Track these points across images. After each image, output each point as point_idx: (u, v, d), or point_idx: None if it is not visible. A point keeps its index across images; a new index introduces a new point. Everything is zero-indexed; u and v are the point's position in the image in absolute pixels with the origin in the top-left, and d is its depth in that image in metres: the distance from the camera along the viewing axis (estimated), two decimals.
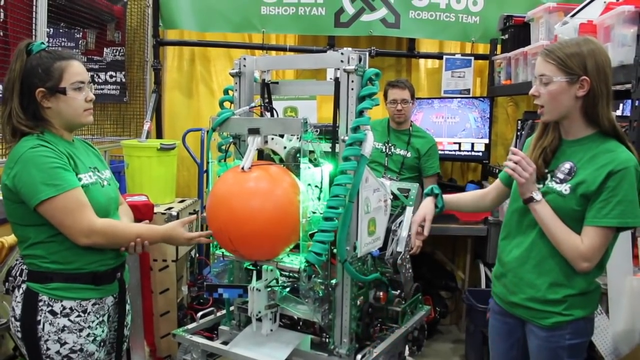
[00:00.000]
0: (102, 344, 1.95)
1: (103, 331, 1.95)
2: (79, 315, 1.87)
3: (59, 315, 1.85)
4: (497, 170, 3.35)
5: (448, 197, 2.24)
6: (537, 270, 1.91)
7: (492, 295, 2.15)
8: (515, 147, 1.92)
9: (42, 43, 1.89)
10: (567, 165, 1.86)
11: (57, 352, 1.85)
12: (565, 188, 1.83)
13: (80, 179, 1.85)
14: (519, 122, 3.85)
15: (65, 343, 1.85)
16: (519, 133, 3.63)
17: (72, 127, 1.95)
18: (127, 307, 2.11)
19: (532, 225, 1.91)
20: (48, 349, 1.84)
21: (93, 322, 1.91)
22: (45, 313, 1.84)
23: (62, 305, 1.85)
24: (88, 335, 1.89)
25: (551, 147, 1.91)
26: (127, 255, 2.05)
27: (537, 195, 1.84)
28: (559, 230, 1.82)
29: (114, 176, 2.15)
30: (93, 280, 1.90)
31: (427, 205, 2.16)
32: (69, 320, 1.86)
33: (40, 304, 1.85)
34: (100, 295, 1.93)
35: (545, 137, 1.94)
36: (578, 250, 1.80)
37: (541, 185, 1.89)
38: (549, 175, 1.89)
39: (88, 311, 1.89)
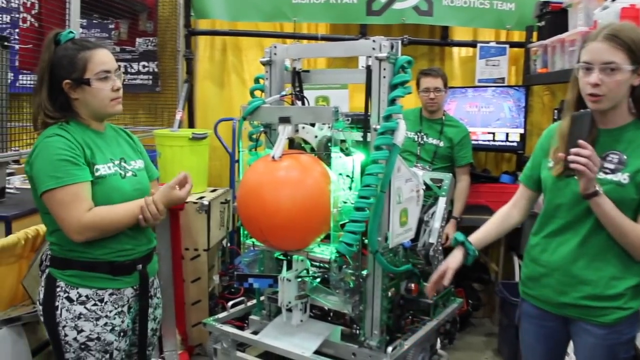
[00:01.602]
0: (121, 334, 1.93)
1: (123, 321, 1.93)
2: (95, 304, 1.86)
3: (75, 303, 1.85)
4: None
5: (475, 238, 2.10)
6: (593, 266, 1.81)
7: (524, 299, 2.04)
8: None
9: (71, 32, 1.88)
10: (614, 155, 1.77)
11: (75, 339, 1.85)
12: (623, 177, 1.74)
13: (97, 170, 1.83)
14: (556, 111, 3.75)
15: (82, 331, 1.85)
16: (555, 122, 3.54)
17: (101, 117, 1.94)
18: (156, 300, 2.09)
19: (581, 219, 1.82)
20: (66, 335, 1.85)
21: (111, 311, 1.89)
22: (62, 299, 1.85)
23: (78, 293, 1.85)
24: (105, 324, 1.88)
25: (591, 137, 1.80)
26: (153, 245, 2.03)
27: (600, 189, 1.73)
28: (625, 221, 1.73)
29: (153, 167, 2.14)
30: (110, 270, 1.88)
31: (455, 256, 2.04)
32: (85, 308, 1.85)
33: (58, 289, 1.86)
34: (117, 285, 1.91)
35: None
36: None
37: None
38: None
39: (105, 301, 1.88)
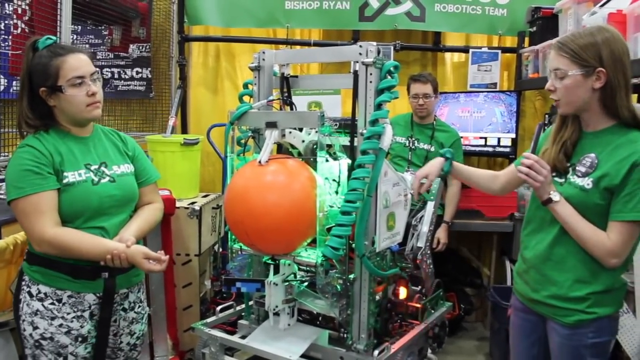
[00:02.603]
0: (79, 339, 1.89)
1: (82, 326, 1.89)
2: (52, 303, 1.86)
3: (34, 298, 1.86)
4: None
5: (459, 166, 2.22)
6: (559, 267, 1.86)
7: (513, 292, 2.10)
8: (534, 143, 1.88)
9: (49, 39, 1.86)
10: (588, 158, 1.80)
11: (30, 335, 1.86)
12: (587, 182, 1.77)
13: (65, 177, 1.83)
14: (547, 116, 3.77)
15: (37, 328, 1.85)
16: (545, 127, 3.55)
17: (80, 123, 1.92)
18: (133, 314, 2.06)
19: (554, 221, 1.86)
20: (24, 329, 1.87)
21: (68, 314, 1.87)
22: (25, 293, 1.87)
23: (38, 289, 1.86)
24: (60, 325, 1.86)
25: (571, 139, 1.86)
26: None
27: (555, 196, 1.79)
28: (583, 228, 1.77)
29: (151, 169, 2.12)
30: (70, 272, 1.86)
31: (434, 164, 2.15)
32: (43, 305, 1.85)
33: (23, 283, 1.89)
34: (77, 289, 1.88)
35: (564, 129, 1.88)
36: (605, 247, 1.75)
37: (563, 180, 1.84)
38: (570, 169, 1.84)
39: (63, 302, 1.86)
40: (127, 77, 4.26)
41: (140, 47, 4.20)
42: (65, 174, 1.84)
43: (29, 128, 1.85)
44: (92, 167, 1.91)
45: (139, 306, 2.10)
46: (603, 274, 1.81)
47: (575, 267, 1.83)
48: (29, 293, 1.86)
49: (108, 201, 1.91)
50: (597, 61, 1.72)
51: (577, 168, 1.82)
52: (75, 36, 3.91)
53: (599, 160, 1.78)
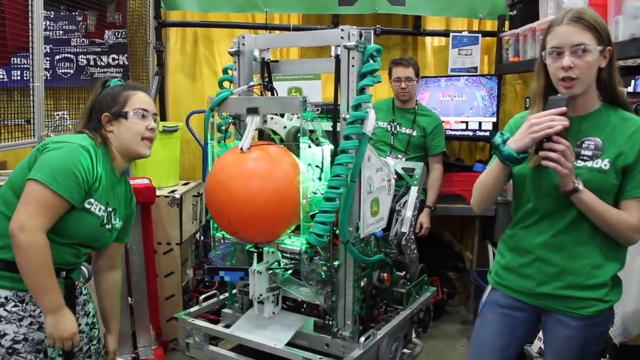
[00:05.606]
0: None
1: None
2: (15, 305, 1.76)
3: None
4: None
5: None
6: (575, 254, 1.77)
7: (496, 288, 1.97)
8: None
9: (119, 80, 1.99)
10: (590, 142, 1.74)
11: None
12: (604, 163, 1.71)
13: (90, 202, 1.80)
14: (527, 99, 3.77)
15: (5, 334, 1.75)
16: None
17: (129, 155, 1.93)
18: (83, 297, 2.00)
19: (563, 209, 1.77)
20: None
21: (34, 310, 1.79)
22: None
23: None
24: (31, 323, 1.78)
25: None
26: (83, 260, 1.96)
27: (580, 184, 1.69)
28: (611, 212, 1.71)
29: (130, 232, 2.13)
30: None
31: None
32: (5, 310, 1.75)
33: None
34: None
35: None
36: (632, 225, 1.71)
37: None
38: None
39: (26, 301, 1.78)
40: (103, 64, 4.17)
41: (116, 33, 4.11)
42: (91, 199, 1.81)
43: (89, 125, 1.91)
44: (108, 209, 1.90)
45: (85, 288, 2.06)
46: (616, 251, 1.77)
47: (593, 252, 1.76)
48: None
49: (97, 243, 1.94)
50: (608, 39, 1.68)
51: (581, 153, 1.75)
52: (48, 22, 3.82)
53: (602, 141, 1.73)
